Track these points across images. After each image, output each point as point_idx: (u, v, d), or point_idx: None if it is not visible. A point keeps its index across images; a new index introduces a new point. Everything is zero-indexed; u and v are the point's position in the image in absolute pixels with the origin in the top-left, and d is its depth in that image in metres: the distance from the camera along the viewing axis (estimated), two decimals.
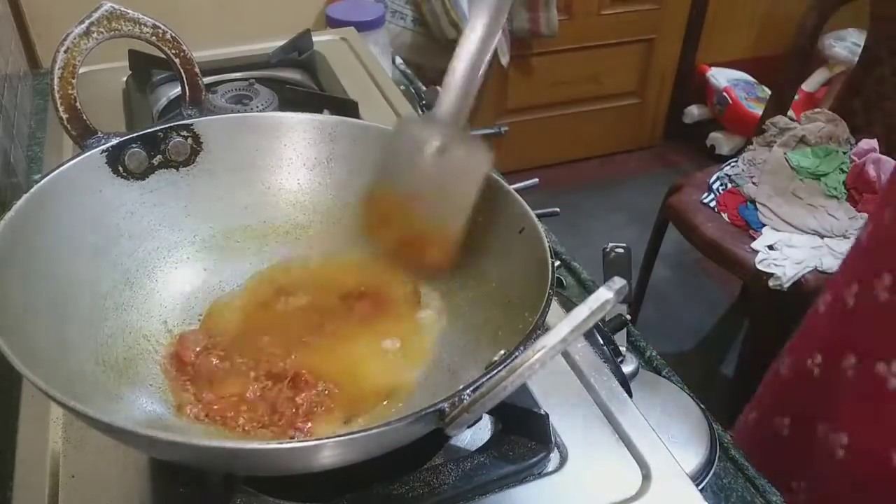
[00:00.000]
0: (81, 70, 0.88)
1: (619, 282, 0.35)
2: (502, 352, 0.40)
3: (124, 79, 0.87)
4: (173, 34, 0.52)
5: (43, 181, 0.45)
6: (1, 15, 1.11)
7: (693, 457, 0.57)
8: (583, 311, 0.34)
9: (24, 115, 0.96)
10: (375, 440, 0.36)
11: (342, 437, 0.34)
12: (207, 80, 0.85)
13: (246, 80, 0.83)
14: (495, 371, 0.36)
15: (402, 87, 0.92)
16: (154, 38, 0.51)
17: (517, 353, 0.37)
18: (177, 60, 0.53)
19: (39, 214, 0.44)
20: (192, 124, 0.52)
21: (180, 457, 0.39)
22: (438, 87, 1.02)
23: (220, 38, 0.94)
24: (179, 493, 0.43)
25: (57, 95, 0.47)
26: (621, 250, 0.68)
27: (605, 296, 0.34)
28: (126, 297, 0.49)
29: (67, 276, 0.45)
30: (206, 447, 0.33)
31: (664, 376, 0.67)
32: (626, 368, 0.59)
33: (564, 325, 0.35)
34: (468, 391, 0.36)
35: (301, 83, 0.89)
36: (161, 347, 0.49)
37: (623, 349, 0.61)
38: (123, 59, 0.86)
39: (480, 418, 0.43)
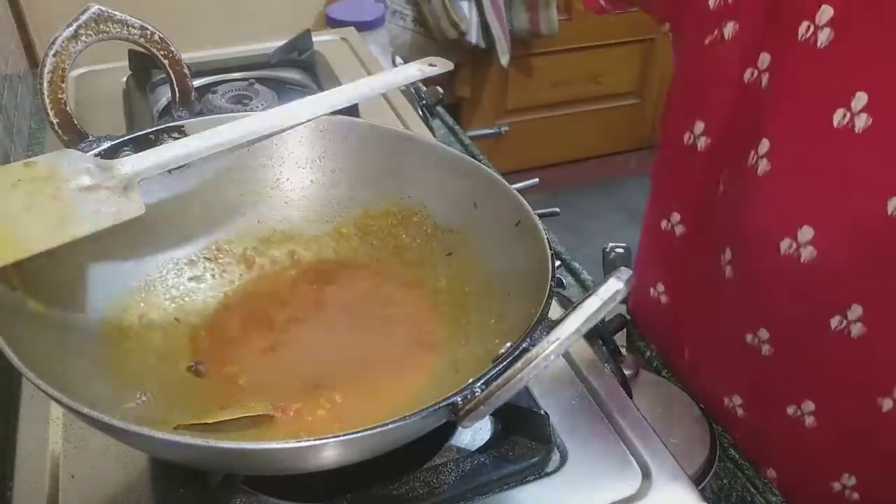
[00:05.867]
0: (81, 70, 0.89)
1: (626, 272, 0.36)
2: (508, 344, 0.40)
3: (124, 79, 0.87)
4: (161, 35, 0.51)
5: None
6: (1, 15, 1.11)
7: (693, 457, 0.57)
8: (595, 302, 0.35)
9: (24, 115, 0.96)
10: (390, 435, 0.35)
11: (355, 435, 0.34)
12: (207, 80, 0.85)
13: (246, 80, 0.83)
14: (506, 363, 0.36)
15: (402, 87, 0.92)
16: (142, 39, 0.50)
17: (525, 345, 0.37)
18: (165, 62, 0.53)
19: None
20: (182, 125, 0.52)
21: (180, 456, 0.39)
22: (439, 88, 1.02)
23: (220, 38, 0.94)
24: (179, 493, 0.43)
25: (47, 100, 0.47)
26: (621, 250, 0.69)
27: (615, 286, 0.35)
28: (122, 299, 0.49)
29: (65, 279, 0.45)
30: (205, 447, 0.33)
31: (664, 376, 0.67)
32: (626, 369, 0.60)
33: (577, 315, 0.35)
34: (480, 384, 0.36)
35: (301, 83, 0.89)
36: None
37: (623, 349, 0.61)
38: (123, 59, 0.86)
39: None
